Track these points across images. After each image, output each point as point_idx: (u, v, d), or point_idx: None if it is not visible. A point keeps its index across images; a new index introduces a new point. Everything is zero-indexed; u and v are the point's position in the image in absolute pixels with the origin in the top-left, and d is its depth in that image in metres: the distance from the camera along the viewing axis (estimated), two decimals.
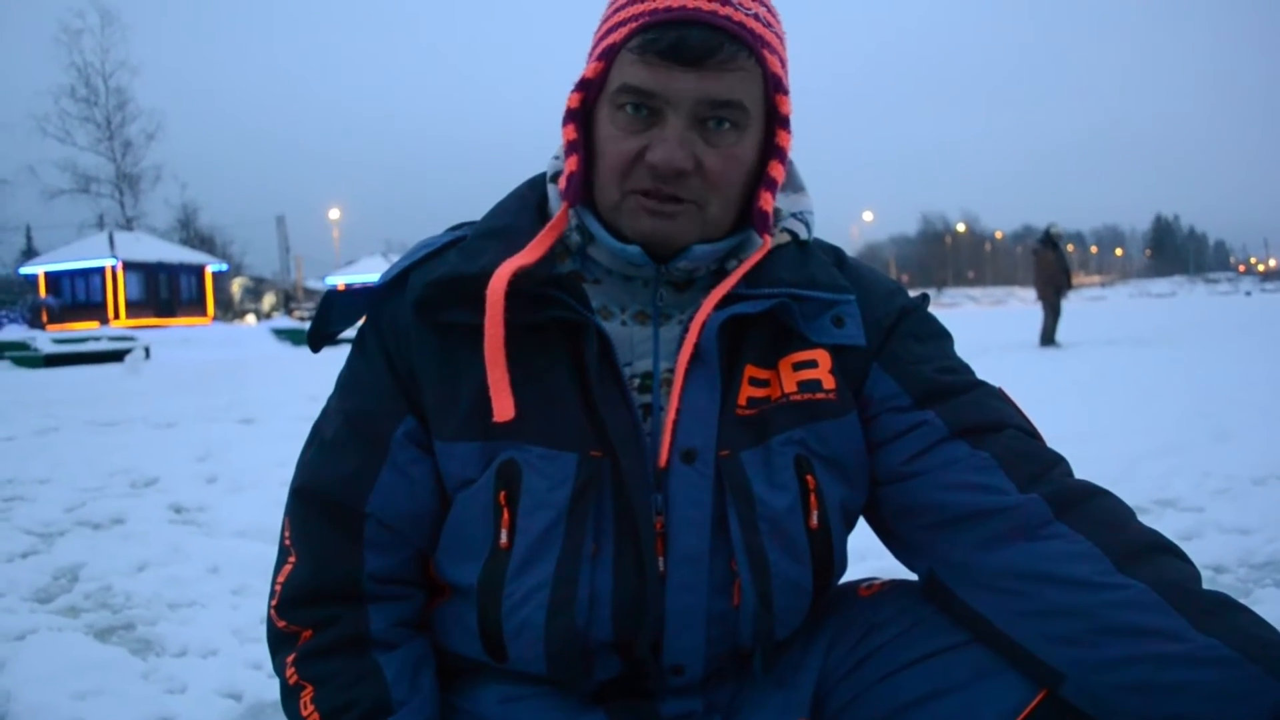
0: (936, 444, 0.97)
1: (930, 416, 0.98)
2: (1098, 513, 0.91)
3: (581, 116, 0.98)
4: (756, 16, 0.94)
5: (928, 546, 0.98)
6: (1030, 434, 0.99)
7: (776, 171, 0.98)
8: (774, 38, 0.96)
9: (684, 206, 0.94)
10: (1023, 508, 0.91)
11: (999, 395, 1.03)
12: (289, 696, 0.96)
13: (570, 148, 0.97)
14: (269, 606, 1.00)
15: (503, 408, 0.93)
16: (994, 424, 0.97)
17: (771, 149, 0.98)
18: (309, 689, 0.94)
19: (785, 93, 0.97)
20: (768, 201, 0.98)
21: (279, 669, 0.98)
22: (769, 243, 1.01)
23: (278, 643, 0.99)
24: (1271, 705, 0.77)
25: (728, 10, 0.91)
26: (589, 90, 0.96)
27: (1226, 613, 0.83)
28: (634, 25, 0.92)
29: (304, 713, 0.94)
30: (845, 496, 1.01)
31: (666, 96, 0.91)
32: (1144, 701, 0.81)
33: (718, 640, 0.97)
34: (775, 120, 0.97)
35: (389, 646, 0.97)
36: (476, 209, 1.09)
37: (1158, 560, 0.87)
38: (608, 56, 0.94)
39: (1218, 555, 2.77)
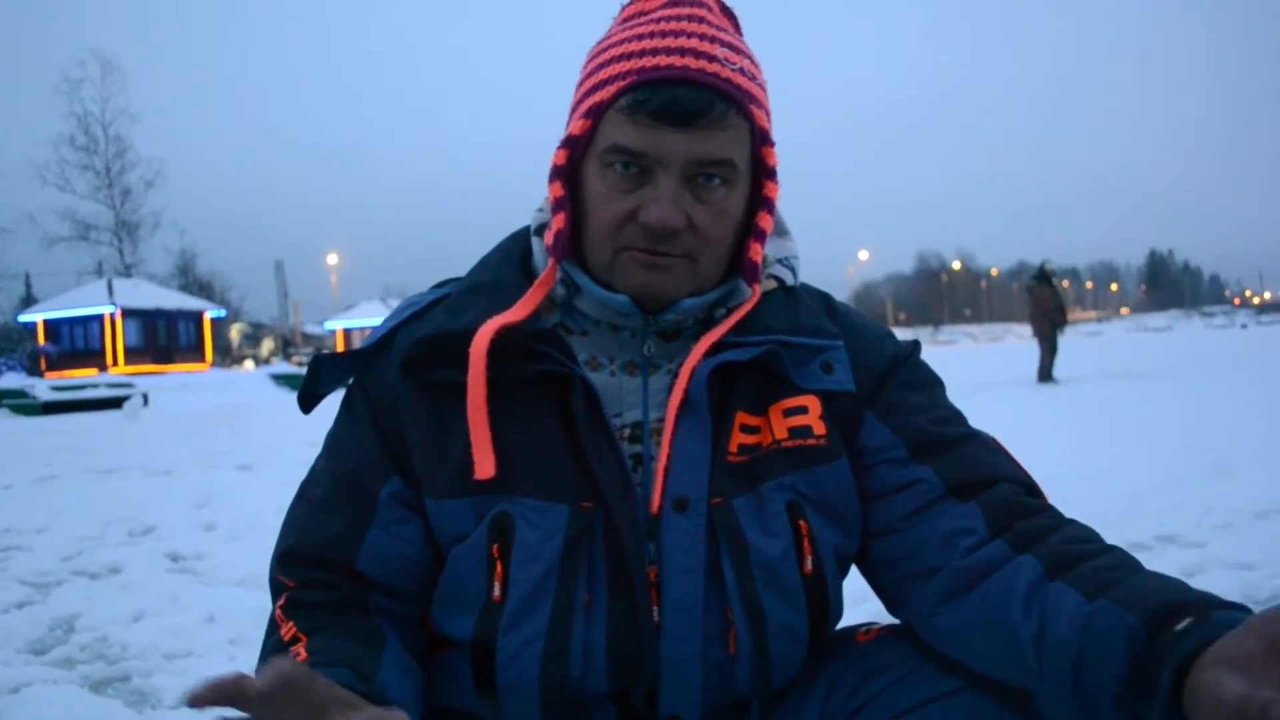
0: (931, 503, 0.97)
1: (927, 474, 0.98)
2: (1056, 538, 0.90)
3: (567, 172, 0.98)
4: (742, 70, 0.95)
5: (905, 597, 0.99)
6: (1024, 485, 0.99)
7: (765, 223, 0.99)
8: (759, 90, 0.97)
9: (676, 261, 0.94)
10: (983, 558, 0.91)
11: (993, 447, 1.03)
12: (278, 647, 0.93)
13: (557, 204, 0.98)
14: (274, 608, 0.97)
15: (483, 466, 0.93)
16: (987, 479, 0.97)
17: (759, 200, 0.99)
18: (305, 638, 0.92)
19: (772, 144, 0.98)
20: (757, 252, 0.99)
21: (272, 641, 0.95)
22: (758, 293, 1.02)
23: (275, 628, 0.96)
24: (1127, 634, 0.76)
25: (715, 68, 0.92)
26: (575, 147, 0.97)
27: (1124, 582, 0.82)
28: (622, 84, 0.93)
29: (293, 650, 0.91)
30: (838, 542, 1.01)
31: (658, 157, 0.92)
32: (1093, 684, 0.80)
33: (715, 690, 0.97)
34: (762, 171, 0.98)
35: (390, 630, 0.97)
36: (475, 252, 1.10)
37: (1089, 560, 0.86)
38: (595, 114, 0.94)
39: (1221, 591, 2.66)
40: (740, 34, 1.02)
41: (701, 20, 0.96)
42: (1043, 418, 7.95)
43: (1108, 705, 0.78)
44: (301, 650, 0.89)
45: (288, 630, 0.94)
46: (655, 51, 0.93)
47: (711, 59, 0.92)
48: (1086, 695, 0.80)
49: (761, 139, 0.97)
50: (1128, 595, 0.80)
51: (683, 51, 0.92)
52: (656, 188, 0.92)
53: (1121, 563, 0.86)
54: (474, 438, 0.93)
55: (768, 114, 0.98)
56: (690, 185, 0.93)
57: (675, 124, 0.91)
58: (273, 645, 0.95)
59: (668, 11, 0.96)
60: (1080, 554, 0.88)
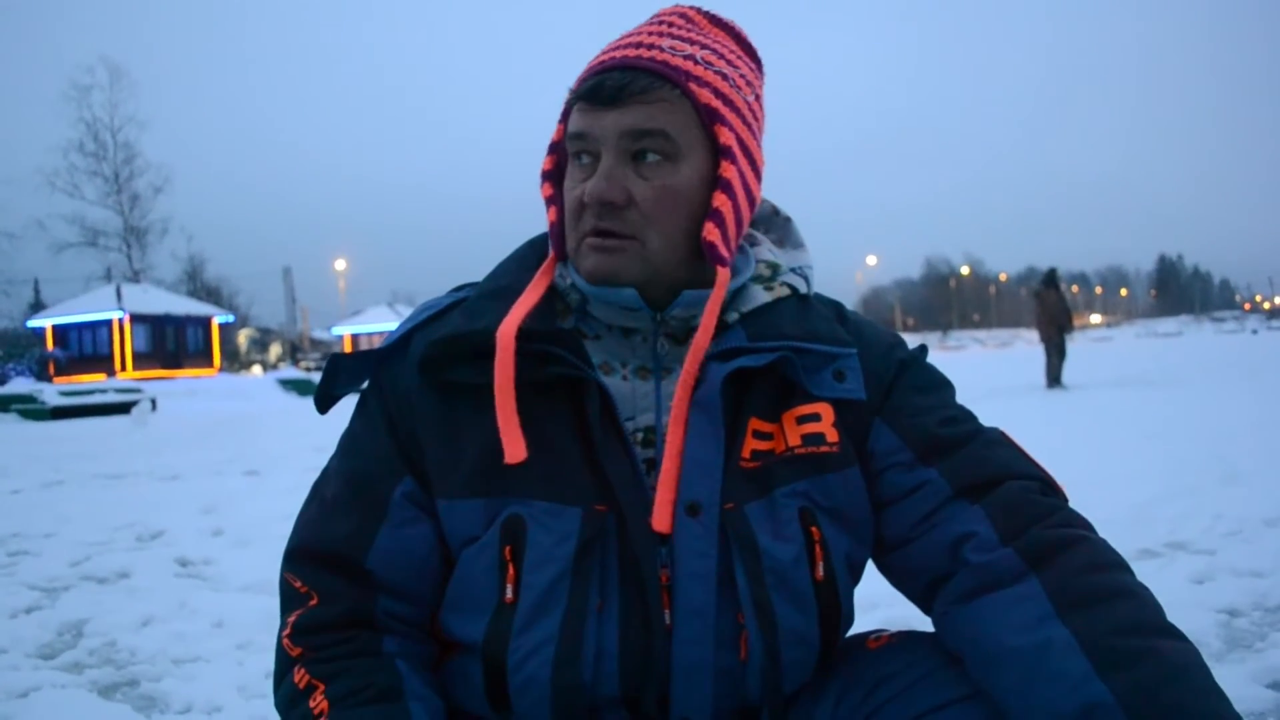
0: (940, 506, 0.98)
1: (933, 476, 0.99)
2: (1069, 562, 0.89)
3: (557, 176, 1.04)
4: (692, 57, 0.97)
5: (927, 603, 1.00)
6: (1034, 478, 0.99)
7: (719, 202, 0.98)
8: (713, 75, 0.97)
9: (623, 242, 0.96)
10: (995, 563, 0.91)
11: (1001, 441, 1.03)
12: (296, 700, 0.94)
13: (549, 201, 1.04)
14: (281, 637, 0.98)
15: (514, 450, 0.93)
16: (995, 477, 0.97)
17: (716, 181, 0.99)
18: (321, 685, 0.93)
19: (724, 124, 0.97)
20: (711, 232, 0.97)
21: (286, 686, 0.96)
22: (724, 275, 0.99)
23: (287, 663, 0.97)
24: None
25: (651, 53, 0.96)
26: (560, 152, 1.03)
27: (1140, 663, 0.79)
28: (577, 86, 0.99)
29: (312, 704, 0.92)
30: (850, 548, 1.01)
31: (595, 135, 0.96)
32: None
33: (725, 695, 0.97)
34: (719, 152, 0.98)
35: (403, 657, 0.98)
36: (483, 257, 1.12)
37: (1104, 606, 0.85)
38: (565, 118, 1.01)
39: (1231, 599, 2.74)
40: (736, 44, 1.04)
41: (665, 23, 1.01)
42: (1052, 423, 7.92)
43: None
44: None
45: (300, 677, 0.94)
46: (608, 51, 0.99)
47: (652, 48, 0.97)
48: None
49: (710, 117, 0.97)
50: (1138, 698, 0.77)
51: (626, 46, 0.98)
52: (599, 167, 0.96)
53: (1136, 621, 0.84)
54: (502, 421, 0.94)
55: (724, 96, 0.97)
56: (632, 164, 0.96)
57: (604, 102, 0.95)
58: (287, 695, 0.95)
59: (639, 24, 1.03)
60: (1093, 593, 0.86)
